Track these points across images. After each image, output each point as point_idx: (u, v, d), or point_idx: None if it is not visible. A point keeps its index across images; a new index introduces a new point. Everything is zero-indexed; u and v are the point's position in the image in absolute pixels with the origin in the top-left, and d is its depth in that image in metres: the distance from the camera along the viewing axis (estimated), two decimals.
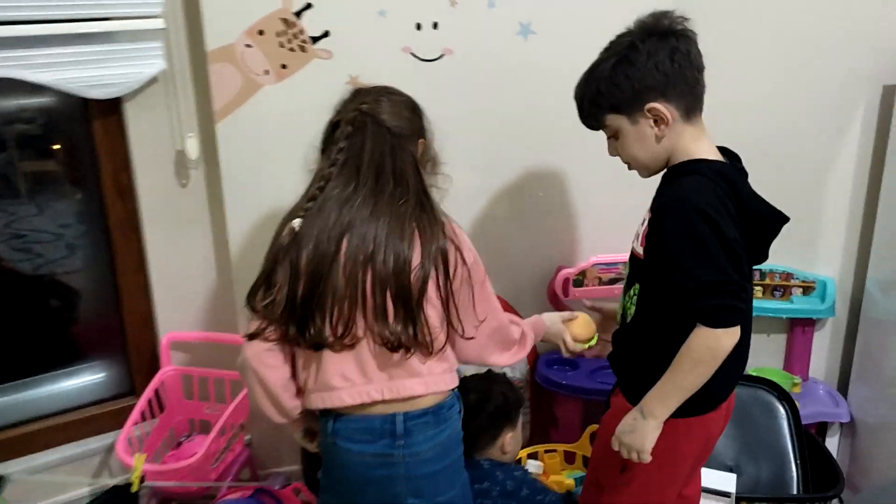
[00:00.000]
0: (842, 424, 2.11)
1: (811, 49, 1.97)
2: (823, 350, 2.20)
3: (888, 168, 1.97)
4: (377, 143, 1.28)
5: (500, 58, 1.85)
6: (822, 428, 2.14)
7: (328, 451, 1.34)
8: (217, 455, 1.81)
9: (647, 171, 1.33)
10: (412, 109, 1.35)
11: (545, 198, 1.99)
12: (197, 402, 1.95)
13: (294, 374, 1.34)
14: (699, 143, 1.26)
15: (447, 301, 1.29)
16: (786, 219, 1.26)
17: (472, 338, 1.35)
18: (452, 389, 1.35)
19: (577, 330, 1.60)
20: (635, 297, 1.31)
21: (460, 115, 1.84)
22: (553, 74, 1.81)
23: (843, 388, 2.17)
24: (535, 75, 1.87)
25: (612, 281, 2.01)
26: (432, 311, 1.28)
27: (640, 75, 1.23)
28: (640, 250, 1.29)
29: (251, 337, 1.29)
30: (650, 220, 1.26)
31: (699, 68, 1.26)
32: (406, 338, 1.26)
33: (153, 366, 1.93)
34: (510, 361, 1.49)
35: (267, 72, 1.75)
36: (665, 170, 1.30)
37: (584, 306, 1.63)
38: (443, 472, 1.32)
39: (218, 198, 1.84)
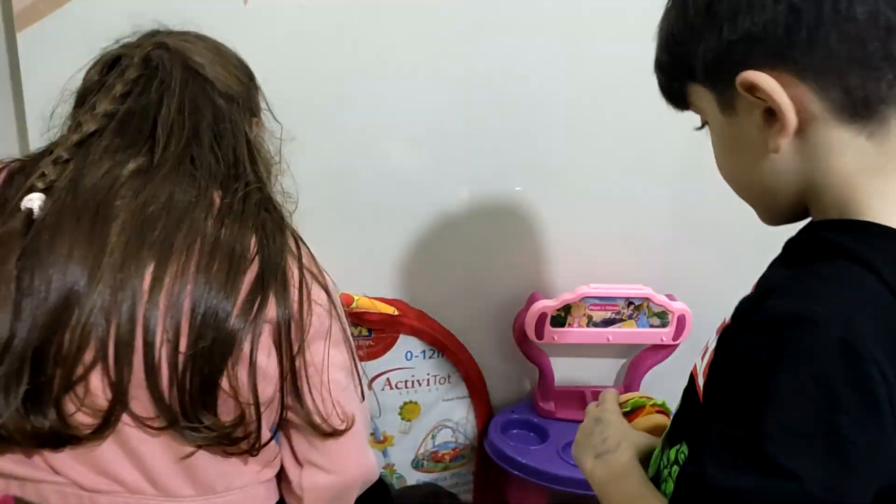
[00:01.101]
0: None
1: None
2: None
3: None
4: (189, 97, 0.79)
5: None
6: None
7: None
8: None
9: (767, 214, 0.69)
10: (247, 73, 0.92)
11: (524, 195, 1.43)
12: None
13: None
14: (880, 182, 0.60)
15: (290, 370, 0.78)
16: None
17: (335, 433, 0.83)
18: None
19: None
20: (676, 468, 0.70)
21: (411, 65, 1.31)
22: (556, 21, 1.31)
23: None
24: (531, 18, 1.31)
25: (608, 322, 1.47)
26: (263, 384, 0.78)
27: (738, 5, 0.59)
28: (701, 382, 0.67)
29: None
30: (723, 335, 0.64)
31: (884, 15, 0.58)
32: (210, 425, 0.76)
33: None
34: None
35: None
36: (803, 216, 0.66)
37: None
38: None
39: (23, 139, 1.28)
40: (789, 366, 0.53)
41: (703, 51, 0.61)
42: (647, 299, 1.43)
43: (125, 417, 0.75)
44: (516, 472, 1.44)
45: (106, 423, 0.74)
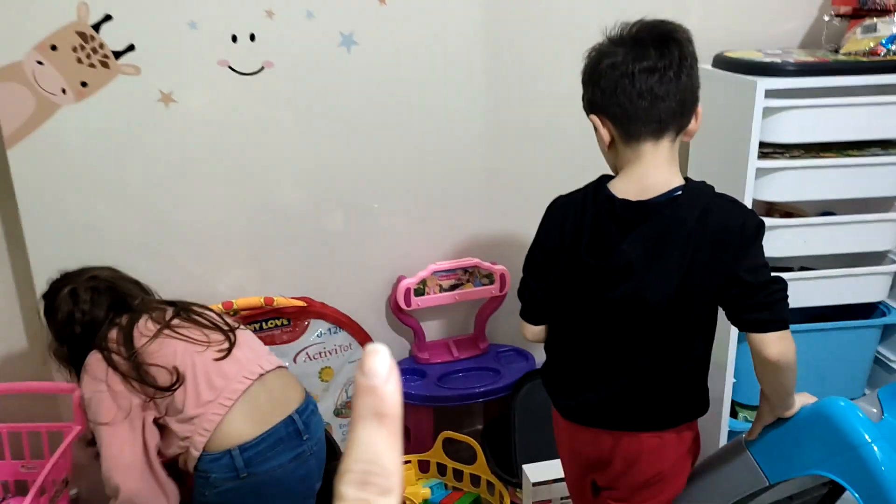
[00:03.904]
0: None
1: None
2: None
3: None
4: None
5: (324, 70, 1.80)
6: None
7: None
8: None
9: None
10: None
11: (380, 210, 1.96)
12: (9, 460, 1.74)
13: None
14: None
15: None
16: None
17: None
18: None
19: None
20: None
21: (286, 130, 1.81)
22: (379, 86, 1.85)
23: None
24: (362, 87, 1.84)
25: (453, 287, 2.03)
26: None
27: None
28: None
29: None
30: None
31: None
32: None
33: None
34: None
35: (64, 91, 1.60)
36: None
37: None
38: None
39: (16, 234, 1.66)
40: None
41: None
42: (476, 266, 2.01)
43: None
44: (409, 401, 1.96)
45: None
